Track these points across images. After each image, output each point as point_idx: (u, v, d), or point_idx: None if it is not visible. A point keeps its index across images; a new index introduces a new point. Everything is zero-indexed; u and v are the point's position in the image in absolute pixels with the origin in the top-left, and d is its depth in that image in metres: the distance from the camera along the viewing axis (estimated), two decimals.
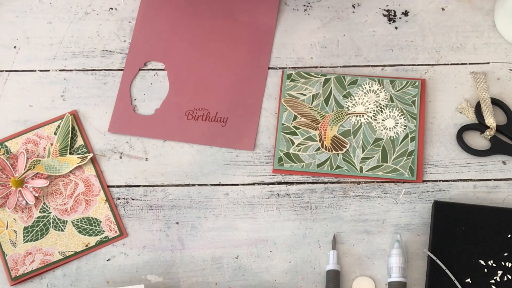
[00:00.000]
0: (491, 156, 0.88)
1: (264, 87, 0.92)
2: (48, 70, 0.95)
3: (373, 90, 0.91)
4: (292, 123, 0.90)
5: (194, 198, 0.88)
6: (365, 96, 0.91)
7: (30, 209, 0.87)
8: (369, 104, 0.90)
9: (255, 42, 0.94)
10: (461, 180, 0.88)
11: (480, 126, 0.90)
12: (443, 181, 0.88)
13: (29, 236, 0.86)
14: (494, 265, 0.81)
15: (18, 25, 0.97)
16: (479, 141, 0.90)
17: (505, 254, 0.81)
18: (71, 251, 0.85)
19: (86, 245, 0.86)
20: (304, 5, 0.97)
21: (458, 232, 0.82)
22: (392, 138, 0.89)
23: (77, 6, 0.98)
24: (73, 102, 0.93)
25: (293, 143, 0.89)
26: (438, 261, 0.81)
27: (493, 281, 0.80)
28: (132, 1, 0.98)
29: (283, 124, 0.90)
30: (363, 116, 0.90)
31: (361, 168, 0.87)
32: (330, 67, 0.93)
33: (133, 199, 0.88)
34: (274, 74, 0.93)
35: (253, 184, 0.88)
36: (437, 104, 0.91)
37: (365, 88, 0.91)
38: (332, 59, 0.94)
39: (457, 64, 0.93)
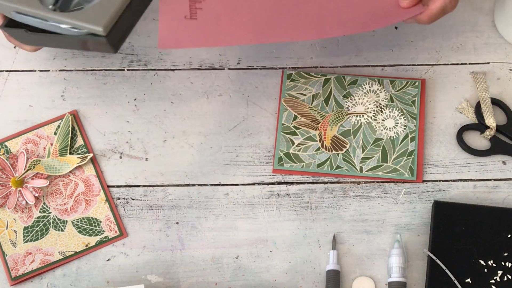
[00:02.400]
0: (491, 156, 0.89)
1: None
2: (48, 70, 0.95)
3: (373, 90, 0.91)
4: (292, 123, 0.90)
5: (194, 198, 0.88)
6: (365, 96, 0.91)
7: (30, 209, 0.87)
8: (369, 104, 0.90)
9: None
10: (461, 180, 0.88)
11: (480, 126, 0.90)
12: (443, 181, 0.88)
13: (29, 236, 0.86)
14: (494, 265, 0.81)
15: None
16: (479, 141, 0.90)
17: (505, 254, 0.81)
18: (71, 251, 0.85)
19: (86, 245, 0.86)
20: None
21: (458, 232, 0.82)
22: (392, 138, 0.89)
23: None
24: (73, 102, 0.93)
25: (293, 143, 0.89)
26: (438, 261, 0.81)
27: (493, 281, 0.80)
28: None
29: (283, 124, 0.90)
30: (363, 116, 0.90)
31: (361, 168, 0.87)
32: (330, 67, 0.93)
33: (133, 199, 0.88)
34: (274, 74, 0.93)
35: (253, 184, 0.88)
36: (437, 104, 0.91)
37: (365, 88, 0.91)
38: (332, 59, 0.94)
39: (457, 64, 0.94)
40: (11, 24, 0.81)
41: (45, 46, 0.86)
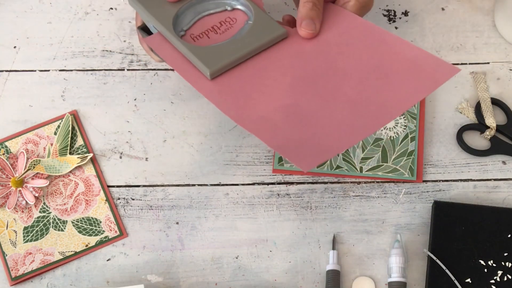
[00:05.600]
0: (491, 156, 0.89)
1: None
2: (48, 70, 0.95)
3: None
4: None
5: (194, 198, 0.88)
6: None
7: (30, 209, 0.87)
8: None
9: None
10: (461, 180, 0.88)
11: (480, 126, 0.90)
12: (443, 181, 0.88)
13: (29, 236, 0.86)
14: (494, 265, 0.81)
15: (18, 25, 0.97)
16: (479, 141, 0.90)
17: (505, 254, 0.81)
18: (71, 251, 0.85)
19: (86, 245, 0.86)
20: None
21: (458, 232, 0.82)
22: (392, 138, 0.89)
23: (77, 6, 0.98)
24: (73, 102, 0.93)
25: None
26: (438, 261, 0.81)
27: (493, 281, 0.80)
28: None
29: None
30: None
31: (361, 168, 0.87)
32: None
33: (133, 199, 0.88)
34: None
35: (253, 184, 0.88)
36: (437, 104, 0.91)
37: None
38: None
39: (457, 64, 0.94)
40: (147, 29, 0.80)
41: None
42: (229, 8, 0.79)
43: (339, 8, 0.78)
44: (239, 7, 0.79)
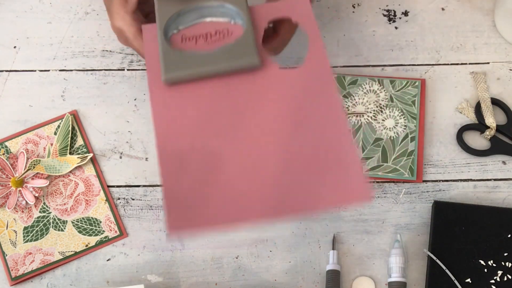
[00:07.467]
0: (491, 156, 0.89)
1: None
2: (48, 70, 0.95)
3: (373, 90, 0.91)
4: None
5: None
6: (365, 96, 0.91)
7: (30, 209, 0.87)
8: (369, 104, 0.90)
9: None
10: (461, 180, 0.88)
11: (480, 126, 0.90)
12: (443, 181, 0.88)
13: (29, 236, 0.86)
14: (494, 265, 0.81)
15: (18, 25, 0.97)
16: (479, 141, 0.90)
17: (505, 254, 0.81)
18: (71, 251, 0.85)
19: (86, 245, 0.86)
20: None
21: (458, 232, 0.82)
22: (392, 138, 0.89)
23: (77, 6, 0.98)
24: (73, 102, 0.93)
25: None
26: (438, 261, 0.81)
27: (493, 281, 0.80)
28: None
29: None
30: (363, 116, 0.90)
31: None
32: (330, 67, 0.93)
33: (133, 199, 0.88)
34: None
35: None
36: (437, 104, 0.91)
37: (365, 88, 0.91)
38: (332, 59, 0.94)
39: (457, 64, 0.94)
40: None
41: None
42: (232, 22, 0.75)
43: (322, 50, 0.72)
44: (240, 23, 0.75)
